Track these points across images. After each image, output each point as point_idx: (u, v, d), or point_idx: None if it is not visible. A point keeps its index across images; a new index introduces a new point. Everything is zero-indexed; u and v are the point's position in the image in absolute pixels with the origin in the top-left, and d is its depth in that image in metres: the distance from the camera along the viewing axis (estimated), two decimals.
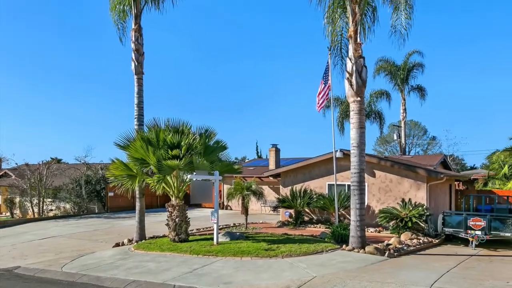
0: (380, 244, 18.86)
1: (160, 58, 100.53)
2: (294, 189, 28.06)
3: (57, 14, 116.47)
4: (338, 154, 25.66)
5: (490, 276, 13.96)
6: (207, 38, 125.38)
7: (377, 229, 24.49)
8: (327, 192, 27.49)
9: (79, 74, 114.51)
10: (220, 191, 38.76)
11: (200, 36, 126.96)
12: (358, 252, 17.58)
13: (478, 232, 19.80)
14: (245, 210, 26.68)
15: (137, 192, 22.34)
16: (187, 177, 19.66)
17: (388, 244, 19.08)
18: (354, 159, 18.46)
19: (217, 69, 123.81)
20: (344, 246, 18.45)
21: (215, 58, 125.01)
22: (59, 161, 56.81)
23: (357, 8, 17.99)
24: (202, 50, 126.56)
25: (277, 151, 39.97)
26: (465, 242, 20.50)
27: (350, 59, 18.35)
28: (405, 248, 18.67)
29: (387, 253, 17.16)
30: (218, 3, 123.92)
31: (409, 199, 24.08)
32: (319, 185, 28.15)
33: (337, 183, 25.30)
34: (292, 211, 27.83)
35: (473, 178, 36.61)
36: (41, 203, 39.43)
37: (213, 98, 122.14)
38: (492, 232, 19.74)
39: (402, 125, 50.69)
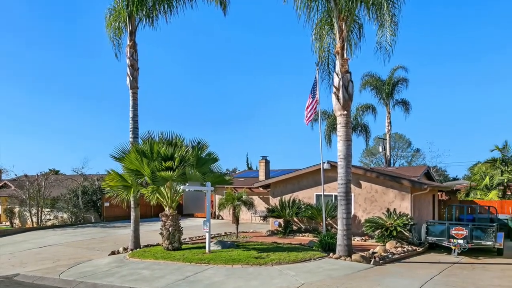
0: (366, 252, 18.83)
1: (154, 73, 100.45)
2: (283, 199, 28.09)
3: (57, 31, 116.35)
4: (326, 166, 25.57)
5: (471, 283, 13.99)
6: (200, 54, 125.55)
7: (363, 238, 24.49)
8: (315, 202, 27.50)
9: (77, 89, 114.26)
10: (212, 201, 38.55)
11: (193, 51, 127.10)
12: (345, 260, 17.54)
13: (461, 241, 19.83)
14: (236, 219, 26.62)
15: (132, 202, 22.27)
16: (180, 188, 19.60)
17: (373, 253, 19.06)
18: (341, 171, 18.45)
19: (209, 83, 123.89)
20: (331, 254, 18.40)
21: (208, 73, 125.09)
22: (56, 172, 56.59)
23: (344, 25, 18.08)
24: (195, 65, 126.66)
25: (267, 163, 40.03)
26: (448, 251, 20.54)
27: (337, 74, 18.39)
28: (390, 256, 18.67)
29: (372, 261, 17.14)
30: (210, 20, 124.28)
31: (394, 209, 24.10)
32: (307, 196, 28.18)
33: (325, 193, 25.35)
34: (281, 220, 27.85)
35: (455, 189, 36.68)
36: (39, 212, 39.19)
37: (205, 112, 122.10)
38: (474, 240, 19.79)
39: (387, 137, 50.78)
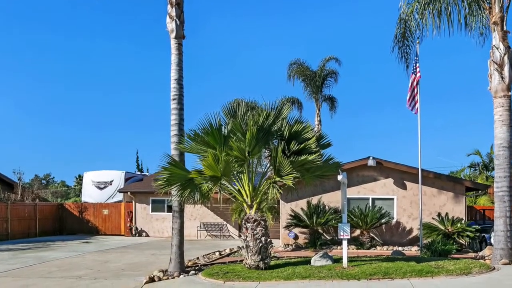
0: None
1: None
2: (298, 204, 25.55)
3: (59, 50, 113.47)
4: (370, 162, 24.40)
5: None
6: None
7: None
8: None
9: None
10: (131, 211, 36.13)
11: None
12: None
13: None
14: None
15: (174, 205, 16.76)
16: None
17: None
18: (503, 161, 17.24)
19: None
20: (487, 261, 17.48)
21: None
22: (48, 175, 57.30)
23: None
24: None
25: None
26: None
27: (497, 49, 17.45)
28: None
29: None
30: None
31: (446, 214, 23.47)
32: (335, 199, 24.89)
33: (357, 196, 24.72)
34: (298, 231, 25.48)
35: None
36: None
37: None
38: None
39: None
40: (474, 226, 22.97)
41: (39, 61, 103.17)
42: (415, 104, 22.07)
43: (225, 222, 32.77)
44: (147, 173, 46.97)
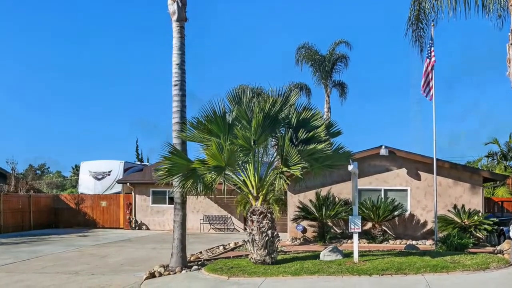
0: None
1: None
2: (307, 195, 25.25)
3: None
4: (383, 152, 24.29)
5: None
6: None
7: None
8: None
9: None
10: (130, 203, 36.04)
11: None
12: None
13: None
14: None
15: (176, 197, 16.94)
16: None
17: None
18: None
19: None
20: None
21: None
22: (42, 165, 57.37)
23: None
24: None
25: None
26: None
27: None
28: None
29: None
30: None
31: (463, 206, 23.28)
32: (345, 191, 24.96)
33: (369, 187, 24.67)
34: (306, 224, 25.36)
35: None
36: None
37: None
38: None
39: None
40: (492, 219, 22.89)
41: (33, 49, 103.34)
42: (429, 90, 21.90)
43: (229, 215, 32.77)
44: (147, 163, 46.89)
